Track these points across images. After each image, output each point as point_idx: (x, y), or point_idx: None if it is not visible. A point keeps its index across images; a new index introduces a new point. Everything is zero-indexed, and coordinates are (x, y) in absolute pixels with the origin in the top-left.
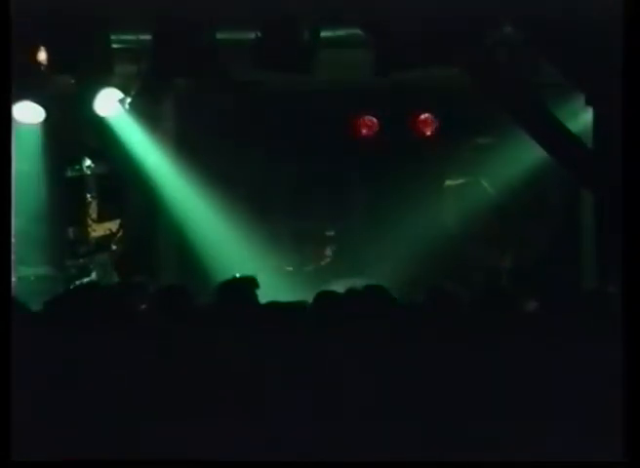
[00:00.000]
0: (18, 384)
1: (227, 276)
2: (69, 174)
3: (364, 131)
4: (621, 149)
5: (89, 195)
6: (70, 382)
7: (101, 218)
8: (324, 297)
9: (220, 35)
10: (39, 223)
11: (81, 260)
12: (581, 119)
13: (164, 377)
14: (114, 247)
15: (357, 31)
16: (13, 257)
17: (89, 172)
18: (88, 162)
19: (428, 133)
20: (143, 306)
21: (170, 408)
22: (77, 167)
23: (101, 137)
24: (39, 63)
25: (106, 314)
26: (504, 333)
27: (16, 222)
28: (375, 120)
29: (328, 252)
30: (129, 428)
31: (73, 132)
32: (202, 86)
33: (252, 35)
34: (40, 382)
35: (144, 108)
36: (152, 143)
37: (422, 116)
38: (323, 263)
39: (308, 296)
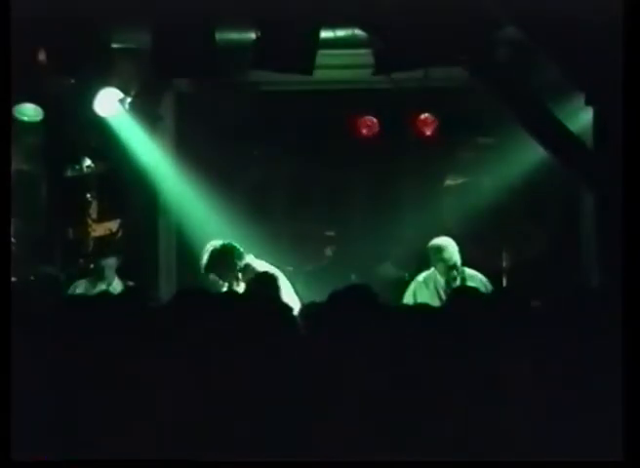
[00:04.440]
0: (17, 384)
1: None
2: (69, 174)
3: (364, 131)
4: (621, 149)
5: (89, 195)
6: (70, 382)
7: (102, 218)
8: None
9: (220, 35)
10: (39, 223)
11: (81, 260)
12: (581, 119)
13: (164, 378)
14: (115, 246)
15: (357, 31)
16: (13, 257)
17: (89, 172)
18: (88, 162)
19: (428, 133)
20: (144, 306)
21: (170, 408)
22: (77, 167)
23: (101, 137)
24: (39, 63)
25: (107, 314)
26: (504, 333)
27: (16, 222)
28: (375, 120)
29: (328, 252)
30: (129, 428)
31: (73, 132)
32: (202, 86)
33: (252, 35)
34: (40, 382)
35: (144, 108)
36: (152, 143)
37: (422, 116)
38: (323, 263)
39: (308, 296)
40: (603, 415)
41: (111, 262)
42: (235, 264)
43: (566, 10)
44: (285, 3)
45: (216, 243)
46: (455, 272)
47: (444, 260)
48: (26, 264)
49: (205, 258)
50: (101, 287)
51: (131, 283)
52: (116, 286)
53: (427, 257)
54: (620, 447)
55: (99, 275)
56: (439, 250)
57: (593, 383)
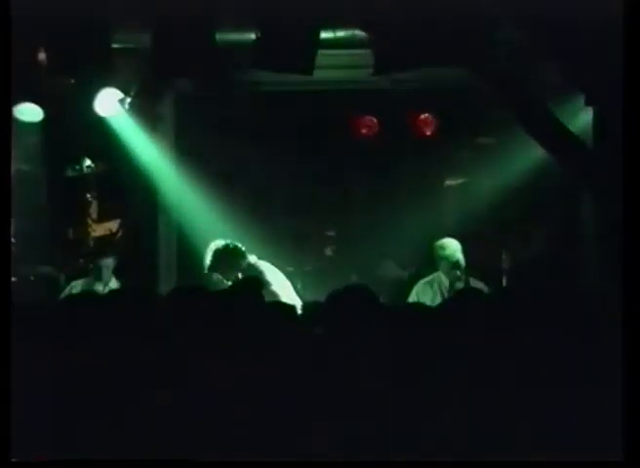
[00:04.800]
0: (17, 384)
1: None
2: (69, 174)
3: (364, 131)
4: (622, 149)
5: (89, 195)
6: (70, 382)
7: (101, 218)
8: (327, 297)
9: (220, 35)
10: (39, 223)
11: (81, 260)
12: (581, 119)
13: (164, 378)
14: (114, 247)
15: (357, 31)
16: (13, 257)
17: (89, 172)
18: (88, 162)
19: (428, 133)
20: (144, 306)
21: (170, 408)
22: (77, 167)
23: (101, 137)
24: (39, 63)
25: (106, 314)
26: (504, 333)
27: (16, 222)
28: (375, 120)
29: (328, 252)
30: (129, 428)
31: (73, 132)
32: (202, 86)
33: (252, 35)
34: (40, 382)
35: (144, 108)
36: (152, 143)
37: (422, 116)
38: (323, 263)
39: (308, 296)
40: (603, 415)
41: (109, 263)
42: (239, 264)
43: (566, 10)
44: (285, 3)
45: (219, 242)
46: (458, 271)
47: (447, 258)
48: (26, 264)
49: (208, 258)
50: (98, 287)
51: (128, 283)
52: (113, 286)
53: (431, 257)
54: (620, 447)
55: (95, 275)
56: (443, 248)
57: (593, 383)
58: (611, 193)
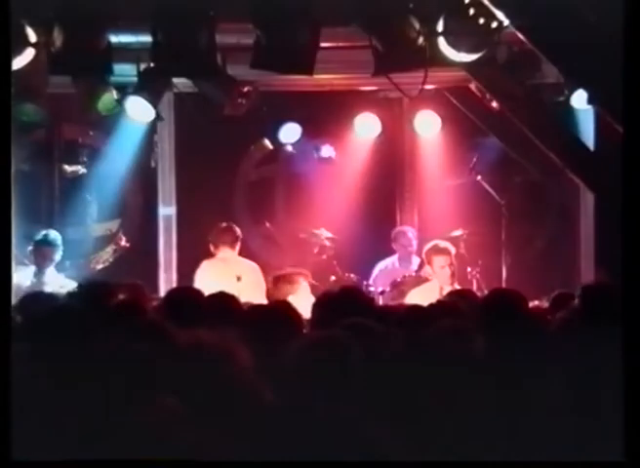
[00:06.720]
0: (17, 384)
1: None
2: (69, 174)
3: (364, 130)
4: (621, 149)
5: (89, 195)
6: (71, 382)
7: (102, 218)
8: (323, 298)
9: (219, 35)
10: (39, 223)
11: (81, 260)
12: (582, 119)
13: (163, 378)
14: (114, 247)
15: (357, 31)
16: (13, 257)
17: (89, 172)
18: (88, 162)
19: (429, 133)
20: (143, 306)
21: (169, 408)
22: (77, 167)
23: (101, 137)
24: (39, 63)
25: (106, 314)
26: (503, 333)
27: (16, 222)
28: (375, 120)
29: (328, 252)
30: (129, 428)
31: (73, 132)
32: (202, 86)
33: (252, 35)
34: (40, 382)
35: (144, 108)
36: (152, 143)
37: (424, 117)
38: (323, 264)
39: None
40: (604, 415)
41: (52, 253)
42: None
43: (566, 9)
44: (285, 3)
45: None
46: (449, 273)
47: (439, 259)
48: (26, 264)
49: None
50: (40, 280)
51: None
52: (49, 280)
53: (425, 259)
54: (621, 447)
55: (38, 268)
56: (434, 249)
57: (594, 383)
58: (611, 193)
